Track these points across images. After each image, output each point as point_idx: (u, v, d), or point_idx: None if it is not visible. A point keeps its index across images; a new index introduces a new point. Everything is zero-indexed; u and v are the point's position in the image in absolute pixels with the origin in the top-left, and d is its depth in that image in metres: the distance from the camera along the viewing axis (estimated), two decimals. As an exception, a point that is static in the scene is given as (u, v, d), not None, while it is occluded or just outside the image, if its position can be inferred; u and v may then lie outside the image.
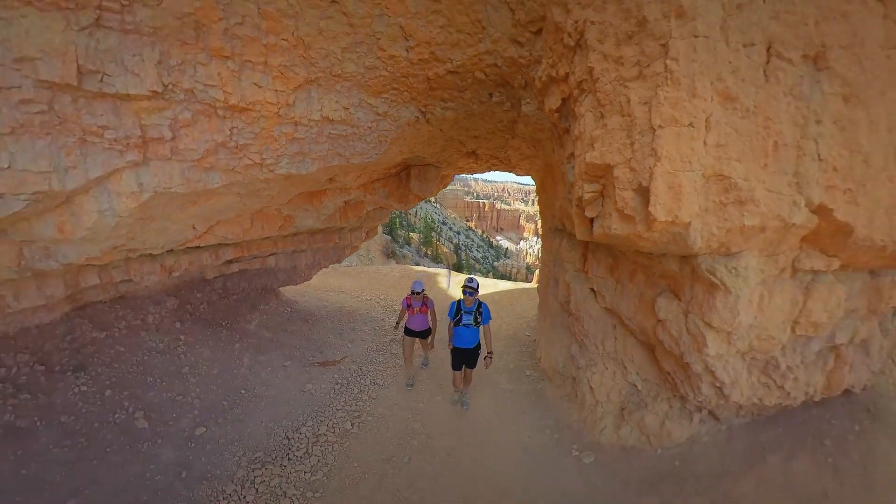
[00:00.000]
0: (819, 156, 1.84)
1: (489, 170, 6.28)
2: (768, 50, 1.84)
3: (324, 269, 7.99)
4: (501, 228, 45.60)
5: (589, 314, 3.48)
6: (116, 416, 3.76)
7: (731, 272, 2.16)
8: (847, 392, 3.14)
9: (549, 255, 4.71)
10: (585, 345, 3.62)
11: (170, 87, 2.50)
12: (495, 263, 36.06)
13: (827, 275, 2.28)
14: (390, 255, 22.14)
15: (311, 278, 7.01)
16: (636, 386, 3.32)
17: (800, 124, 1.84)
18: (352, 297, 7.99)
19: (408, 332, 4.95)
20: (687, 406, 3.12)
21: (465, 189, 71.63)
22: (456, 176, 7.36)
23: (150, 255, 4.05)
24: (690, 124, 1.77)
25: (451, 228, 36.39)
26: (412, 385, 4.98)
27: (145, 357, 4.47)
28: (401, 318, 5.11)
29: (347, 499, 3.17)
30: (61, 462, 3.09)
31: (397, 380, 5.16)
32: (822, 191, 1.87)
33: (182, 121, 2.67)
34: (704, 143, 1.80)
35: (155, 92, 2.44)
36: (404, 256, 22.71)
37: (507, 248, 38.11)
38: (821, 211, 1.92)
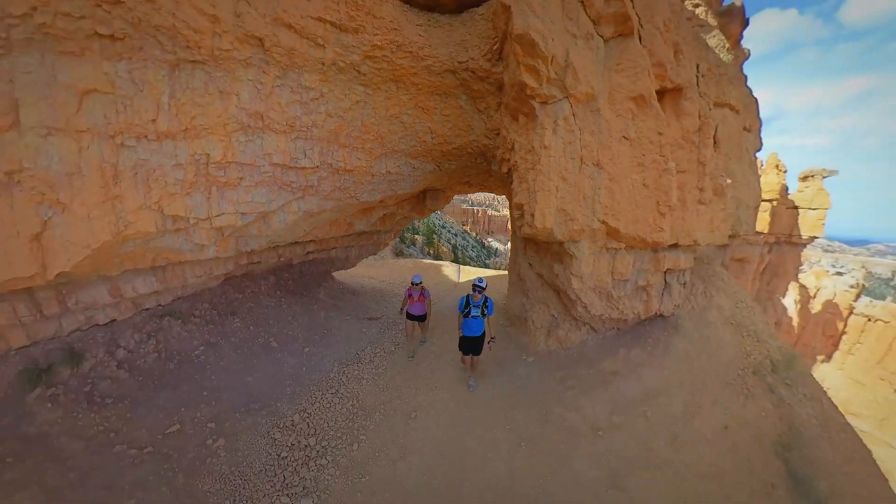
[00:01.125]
0: (600, 201, 4.55)
1: (478, 191, 8.98)
2: (582, 160, 4.54)
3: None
4: (492, 231, 49.00)
5: (529, 278, 6.14)
6: (259, 339, 6.32)
7: (578, 249, 4.83)
8: (661, 315, 5.82)
9: (513, 248, 7.38)
10: (529, 296, 6.27)
11: (322, 164, 5.16)
12: (487, 261, 39.19)
13: (622, 251, 4.97)
14: (398, 253, 24.94)
15: (355, 266, 9.65)
16: (554, 315, 5.97)
17: (593, 189, 4.55)
18: (379, 280, 10.64)
19: (409, 316, 5.81)
20: (578, 323, 5.78)
21: (462, 197, 75.31)
22: (455, 193, 10.04)
23: (276, 246, 6.67)
24: (549, 189, 4.45)
25: (449, 231, 39.73)
26: (413, 356, 5.96)
27: (265, 310, 7.04)
28: (403, 304, 5.93)
29: (398, 375, 5.74)
30: (238, 360, 5.64)
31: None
32: (603, 215, 4.57)
33: (322, 177, 5.32)
34: (555, 196, 4.48)
35: (316, 167, 5.10)
36: (410, 255, 25.70)
37: (496, 248, 41.78)
38: (604, 223, 4.62)
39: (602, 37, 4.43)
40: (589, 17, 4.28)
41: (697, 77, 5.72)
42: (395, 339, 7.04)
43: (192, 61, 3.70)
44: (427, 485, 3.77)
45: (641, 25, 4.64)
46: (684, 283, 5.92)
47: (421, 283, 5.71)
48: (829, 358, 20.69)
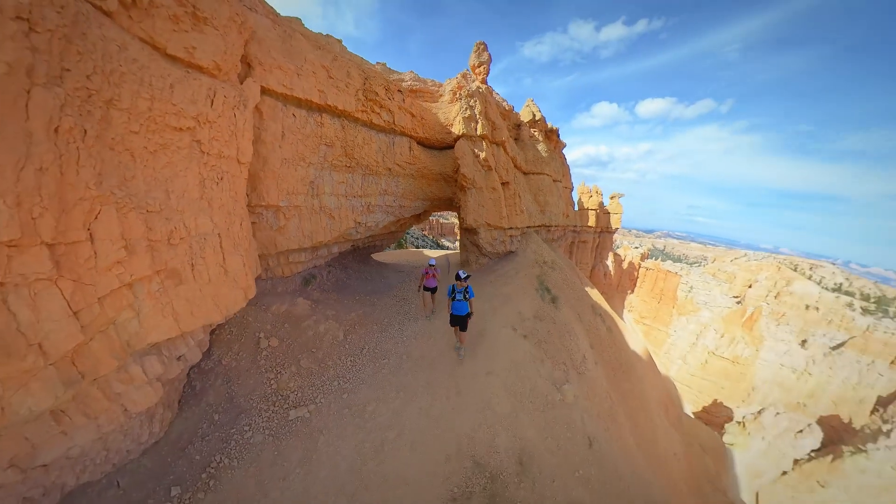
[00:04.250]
0: (484, 214, 14.42)
1: (444, 211, 18.42)
2: (480, 204, 14.30)
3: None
4: (444, 234, 60.76)
5: (466, 244, 15.77)
6: (361, 274, 15.03)
7: (481, 230, 14.49)
8: (511, 251, 15.89)
9: (461, 233, 16.96)
10: (468, 250, 15.85)
11: (390, 203, 14.10)
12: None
13: (493, 230, 14.92)
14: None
15: (380, 252, 18.41)
16: (476, 255, 15.60)
17: (484, 211, 14.36)
18: (392, 259, 19.49)
19: (425, 288, 8.53)
20: (484, 256, 15.49)
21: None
22: (430, 211, 19.41)
23: (369, 236, 15.17)
24: (470, 210, 14.07)
25: (412, 235, 49.56)
26: (430, 317, 8.98)
27: (350, 275, 15.59)
28: (420, 281, 8.43)
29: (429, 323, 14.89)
30: (360, 281, 14.41)
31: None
32: (485, 219, 14.45)
33: (390, 207, 14.17)
34: (472, 213, 14.11)
35: (390, 204, 14.02)
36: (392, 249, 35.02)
37: (447, 245, 52.99)
38: (486, 223, 14.49)
39: (485, 169, 14.21)
40: (480, 166, 14.02)
41: (516, 172, 16.00)
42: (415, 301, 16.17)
43: (366, 171, 12.46)
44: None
45: (496, 165, 14.57)
46: (517, 238, 16.11)
47: (435, 264, 8.15)
48: (632, 290, 34.96)
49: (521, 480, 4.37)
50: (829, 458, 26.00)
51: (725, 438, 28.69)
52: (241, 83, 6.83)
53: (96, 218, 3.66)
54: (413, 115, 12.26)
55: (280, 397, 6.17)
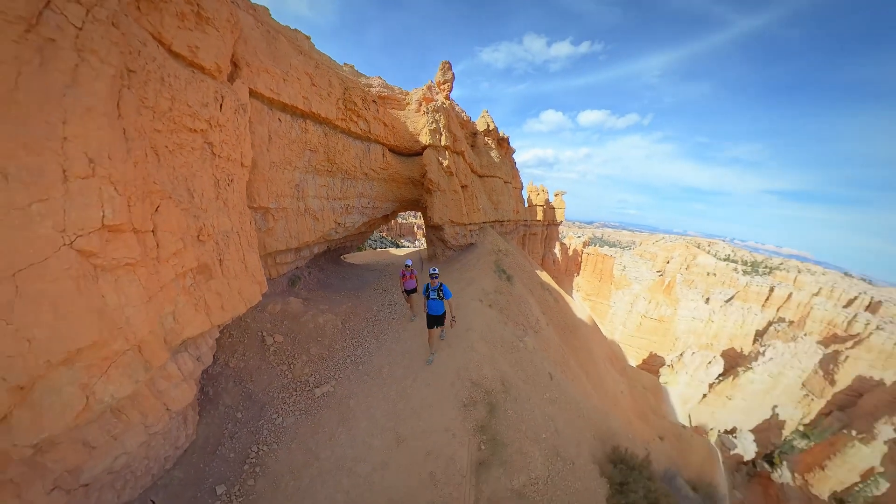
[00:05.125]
0: (448, 213, 15.69)
1: (410, 210, 19.27)
2: (463, 187, 15.54)
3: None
4: (403, 234, 60.79)
5: (433, 239, 16.90)
6: (337, 272, 15.25)
7: (446, 227, 15.76)
8: (471, 243, 17.45)
9: (426, 229, 18.02)
10: (434, 244, 17.00)
11: (366, 205, 14.60)
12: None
13: (455, 226, 16.28)
14: (346, 253, 32.95)
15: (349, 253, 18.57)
16: (443, 248, 16.82)
17: (447, 210, 15.63)
18: (361, 261, 19.74)
19: (405, 290, 8.24)
20: (449, 249, 16.78)
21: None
22: (397, 212, 20.14)
23: (345, 236, 15.34)
24: (435, 210, 15.24)
25: (372, 237, 49.01)
26: (414, 319, 8.74)
27: (328, 275, 15.70)
28: (400, 284, 8.21)
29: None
30: (338, 278, 14.70)
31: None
32: (449, 217, 15.73)
33: (365, 209, 14.66)
34: (437, 211, 15.31)
35: (364, 206, 14.50)
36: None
37: (407, 246, 53.73)
38: (450, 220, 15.79)
39: (448, 174, 15.46)
40: (444, 172, 15.24)
41: (473, 175, 17.62)
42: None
43: (345, 176, 12.86)
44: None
45: (457, 171, 15.93)
46: (476, 232, 17.72)
47: (411, 265, 7.70)
48: (578, 273, 39.88)
49: (507, 397, 5.69)
50: (731, 378, 34.34)
51: (661, 379, 34.92)
52: (232, 83, 6.86)
53: (157, 210, 3.94)
54: (385, 125, 13.04)
55: (300, 383, 6.60)
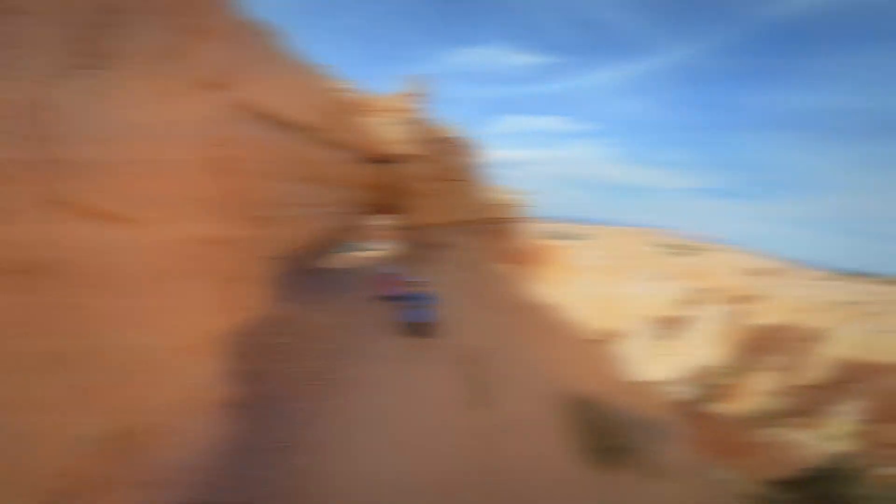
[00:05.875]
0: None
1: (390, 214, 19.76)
2: (434, 191, 16.33)
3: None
4: (374, 238, 61.28)
5: (410, 245, 17.64)
6: (323, 289, 15.33)
7: (423, 229, 16.59)
8: None
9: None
10: (414, 256, 17.74)
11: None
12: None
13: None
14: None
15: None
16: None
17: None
18: (333, 266, 19.80)
19: (387, 298, 8.35)
20: (424, 248, 17.62)
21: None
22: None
23: (310, 244, 15.41)
24: (418, 208, 15.98)
25: (349, 242, 49.50)
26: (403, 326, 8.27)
27: (308, 281, 15.69)
28: (380, 292, 8.37)
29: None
30: (321, 301, 14.81)
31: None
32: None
33: (327, 216, 14.98)
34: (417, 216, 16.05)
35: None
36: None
37: (379, 249, 54.57)
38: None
39: (420, 180, 16.27)
40: (417, 178, 16.04)
41: (442, 180, 18.71)
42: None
43: (325, 183, 13.15)
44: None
45: (428, 176, 16.84)
46: (447, 233, 18.80)
47: (395, 271, 8.61)
48: (539, 264, 42.94)
49: (489, 360, 6.83)
50: (670, 339, 40.39)
51: (613, 347, 39.83)
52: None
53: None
54: (360, 133, 13.54)
55: (314, 378, 6.99)
